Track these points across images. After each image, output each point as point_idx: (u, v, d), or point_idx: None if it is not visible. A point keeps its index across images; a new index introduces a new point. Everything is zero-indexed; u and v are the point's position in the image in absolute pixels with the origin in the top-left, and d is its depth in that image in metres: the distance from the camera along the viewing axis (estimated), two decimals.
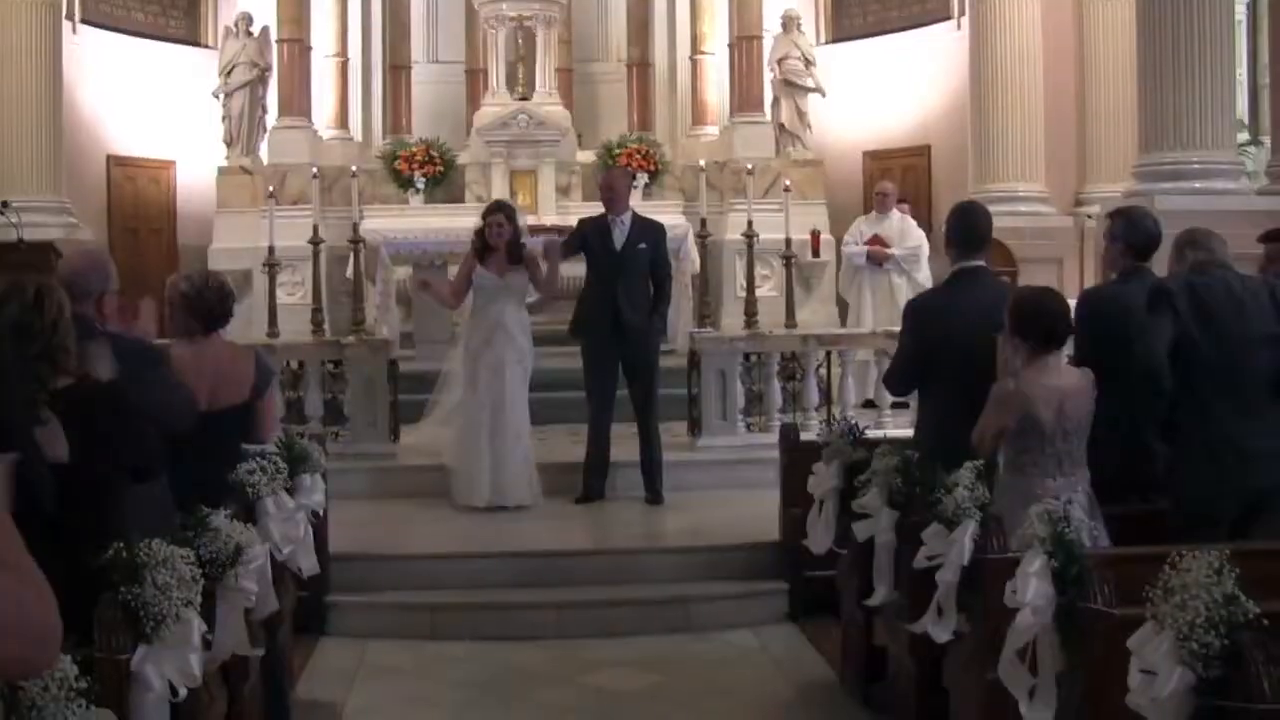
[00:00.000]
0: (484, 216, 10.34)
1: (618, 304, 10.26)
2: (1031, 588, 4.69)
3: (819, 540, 7.58)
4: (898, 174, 18.48)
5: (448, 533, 9.71)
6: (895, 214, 14.31)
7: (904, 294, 13.07)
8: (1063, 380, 5.79)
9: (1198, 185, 12.13)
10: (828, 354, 11.87)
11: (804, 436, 9.01)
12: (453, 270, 15.48)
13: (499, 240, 10.11)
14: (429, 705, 7.31)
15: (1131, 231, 6.70)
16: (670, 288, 10.83)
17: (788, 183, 14.27)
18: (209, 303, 6.47)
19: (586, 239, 10.57)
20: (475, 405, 10.18)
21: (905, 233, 14.18)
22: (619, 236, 10.39)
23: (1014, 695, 4.83)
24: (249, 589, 5.39)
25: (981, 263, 6.88)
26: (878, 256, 14.01)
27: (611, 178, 10.96)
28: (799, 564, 8.50)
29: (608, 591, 8.75)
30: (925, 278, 13.72)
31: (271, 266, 13.37)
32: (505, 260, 10.15)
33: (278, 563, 6.50)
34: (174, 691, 4.51)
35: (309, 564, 7.08)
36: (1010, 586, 4.80)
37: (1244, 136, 16.22)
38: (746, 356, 11.63)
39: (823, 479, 7.54)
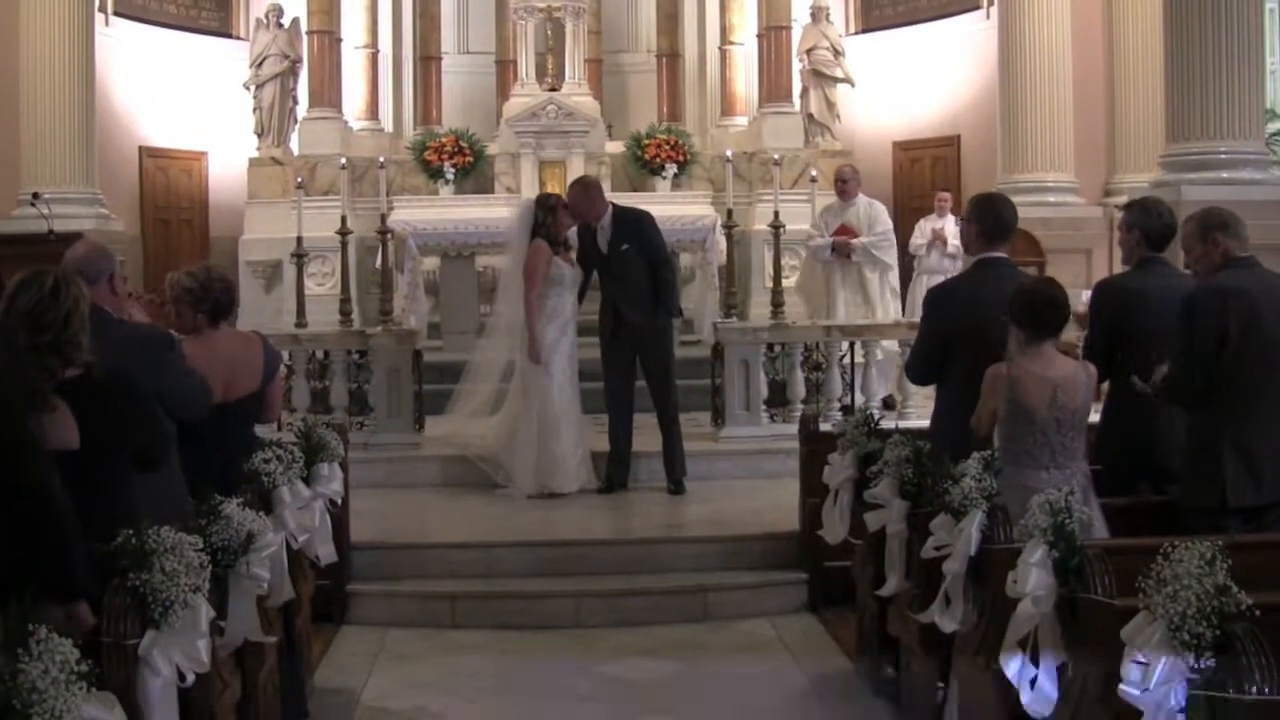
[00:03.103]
0: (553, 210, 10.34)
1: (616, 305, 10.36)
2: (1032, 578, 4.71)
3: (834, 530, 7.60)
4: (928, 164, 18.57)
5: (468, 522, 9.75)
6: (862, 200, 13.40)
7: (875, 287, 13.08)
8: (1057, 370, 5.78)
9: (1225, 175, 12.17)
10: (851, 345, 11.83)
11: (824, 427, 8.99)
12: (483, 262, 15.59)
13: (567, 229, 10.40)
14: (447, 693, 7.32)
15: (1146, 221, 6.68)
16: (669, 274, 10.62)
17: (814, 173, 14.28)
18: (214, 295, 6.52)
19: (584, 247, 10.58)
20: (557, 394, 10.31)
21: (873, 219, 13.31)
22: (603, 240, 10.42)
23: (1015, 685, 4.85)
24: (261, 576, 5.44)
25: (1003, 254, 6.88)
26: (843, 248, 13.15)
27: (570, 197, 10.70)
28: (817, 554, 8.50)
29: (626, 581, 8.78)
30: (893, 264, 13.44)
31: (299, 257, 13.47)
32: (565, 251, 10.41)
33: (294, 551, 6.56)
34: (182, 677, 4.56)
35: (326, 552, 7.14)
36: (1011, 577, 4.83)
37: (1275, 126, 16.13)
38: (770, 347, 11.62)
39: (838, 469, 7.56)
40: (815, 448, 8.56)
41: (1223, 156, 12.32)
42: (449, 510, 10.13)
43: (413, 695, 7.31)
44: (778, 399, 11.58)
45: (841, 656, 7.80)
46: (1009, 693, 4.90)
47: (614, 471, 10.52)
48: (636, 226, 10.48)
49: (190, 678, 4.62)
